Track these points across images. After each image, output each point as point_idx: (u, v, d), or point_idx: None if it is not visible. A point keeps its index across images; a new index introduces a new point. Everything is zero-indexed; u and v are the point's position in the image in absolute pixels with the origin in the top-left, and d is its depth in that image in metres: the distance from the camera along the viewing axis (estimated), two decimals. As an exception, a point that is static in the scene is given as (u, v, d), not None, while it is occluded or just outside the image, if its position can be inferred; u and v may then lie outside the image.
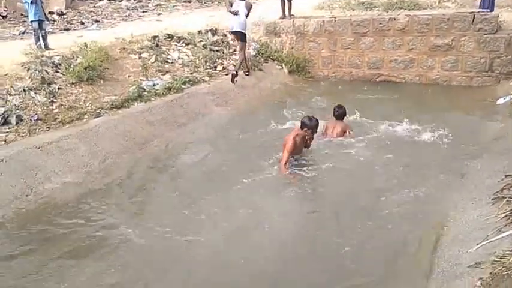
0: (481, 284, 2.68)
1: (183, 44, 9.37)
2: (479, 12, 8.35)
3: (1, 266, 3.59)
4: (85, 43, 7.79)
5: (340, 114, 5.97)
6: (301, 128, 5.12)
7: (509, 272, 2.66)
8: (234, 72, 8.46)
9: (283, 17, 10.53)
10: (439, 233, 3.71)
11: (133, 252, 3.77)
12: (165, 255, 3.72)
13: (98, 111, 6.32)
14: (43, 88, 6.36)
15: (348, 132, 5.86)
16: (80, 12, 15.43)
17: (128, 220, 4.27)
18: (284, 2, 10.48)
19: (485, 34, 8.19)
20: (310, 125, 5.08)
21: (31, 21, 8.99)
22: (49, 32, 9.70)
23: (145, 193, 4.88)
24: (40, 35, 8.91)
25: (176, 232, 4.01)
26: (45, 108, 6.07)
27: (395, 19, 9.01)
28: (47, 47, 8.60)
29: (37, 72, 6.64)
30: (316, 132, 5.24)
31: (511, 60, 8.07)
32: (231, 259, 3.61)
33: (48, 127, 5.74)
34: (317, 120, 5.18)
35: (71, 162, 5.29)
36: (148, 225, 4.18)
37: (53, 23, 13.01)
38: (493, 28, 8.16)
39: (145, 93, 7.11)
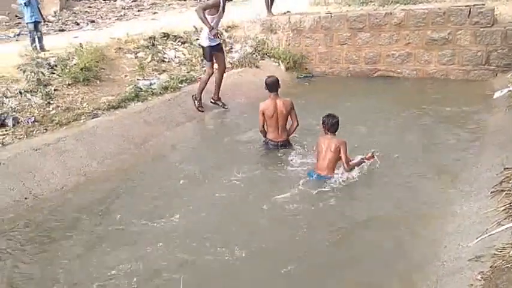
0: (482, 277, 2.69)
1: (179, 43, 9.33)
2: (475, 5, 8.33)
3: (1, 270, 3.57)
4: (80, 44, 7.75)
5: (333, 125, 4.70)
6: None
7: (509, 265, 2.67)
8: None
9: (270, 15, 10.47)
10: (439, 228, 3.72)
11: (141, 250, 3.75)
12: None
13: (95, 112, 6.28)
14: (39, 90, 6.32)
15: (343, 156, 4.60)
16: (74, 13, 15.39)
17: (130, 220, 4.25)
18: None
19: (482, 27, 8.17)
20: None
21: (27, 23, 8.98)
22: (44, 33, 9.67)
23: (145, 193, 4.85)
24: (36, 37, 8.88)
25: (185, 231, 4.00)
26: (41, 110, 6.03)
27: (391, 14, 8.98)
28: (42, 49, 8.57)
29: (33, 74, 6.59)
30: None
31: (507, 53, 8.04)
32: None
33: (45, 129, 5.70)
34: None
35: (69, 164, 5.27)
36: (153, 224, 4.15)
37: (48, 24, 12.97)
38: (489, 21, 8.14)
39: (142, 92, 7.08)
